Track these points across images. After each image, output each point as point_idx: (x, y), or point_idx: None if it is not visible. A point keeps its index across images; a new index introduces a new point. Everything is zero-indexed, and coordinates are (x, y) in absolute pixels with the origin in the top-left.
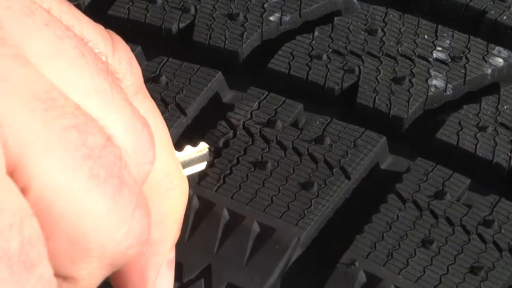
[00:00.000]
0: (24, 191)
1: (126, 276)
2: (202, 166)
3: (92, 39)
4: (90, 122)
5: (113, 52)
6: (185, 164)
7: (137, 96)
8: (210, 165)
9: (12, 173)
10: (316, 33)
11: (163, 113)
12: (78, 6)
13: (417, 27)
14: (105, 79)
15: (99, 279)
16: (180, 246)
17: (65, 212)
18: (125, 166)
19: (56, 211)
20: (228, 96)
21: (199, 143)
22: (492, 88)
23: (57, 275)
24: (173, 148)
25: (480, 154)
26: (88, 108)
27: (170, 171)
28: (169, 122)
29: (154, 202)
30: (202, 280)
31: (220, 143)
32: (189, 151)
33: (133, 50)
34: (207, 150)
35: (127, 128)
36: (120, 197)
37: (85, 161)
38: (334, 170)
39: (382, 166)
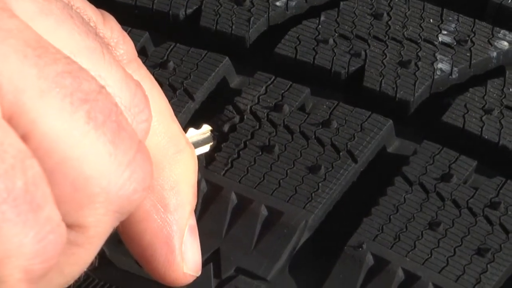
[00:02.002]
0: (23, 137)
1: (152, 246)
2: (205, 148)
3: (81, 7)
4: (82, 69)
5: (103, 22)
6: None
7: (131, 64)
8: (216, 148)
9: (9, 120)
10: (322, 18)
11: (171, 99)
12: None
13: (422, 11)
14: (94, 39)
15: (107, 228)
16: None
17: (66, 157)
18: (122, 113)
19: (57, 156)
20: (235, 81)
21: (202, 126)
22: (498, 71)
23: (65, 224)
24: (173, 115)
25: (486, 137)
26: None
27: (174, 135)
28: (177, 107)
29: (164, 167)
30: (211, 263)
31: (226, 128)
32: (192, 133)
33: (140, 36)
34: (210, 132)
35: (120, 83)
36: (120, 140)
37: (81, 105)
38: (341, 153)
39: (389, 150)
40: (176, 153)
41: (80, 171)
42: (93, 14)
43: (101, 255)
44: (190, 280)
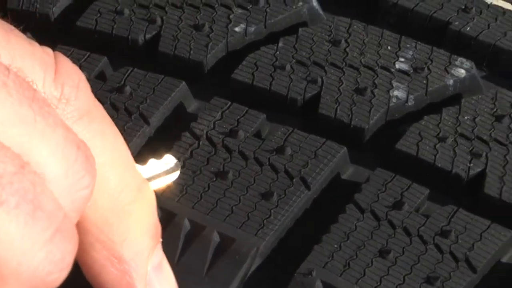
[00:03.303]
0: None
1: None
2: (173, 177)
3: (25, 67)
4: (1, 150)
5: (54, 78)
6: (151, 178)
7: (82, 120)
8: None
9: None
10: (280, 44)
11: (126, 123)
12: (47, 17)
13: (380, 38)
14: (29, 106)
15: None
16: None
17: None
18: (43, 191)
19: None
20: (193, 106)
21: (163, 156)
22: (455, 99)
23: None
24: (131, 163)
25: (439, 165)
26: (10, 137)
27: (126, 187)
28: (132, 131)
29: (113, 222)
30: None
31: (187, 154)
32: (154, 164)
33: (99, 61)
34: (176, 161)
35: (53, 153)
36: (36, 222)
37: None
38: (294, 180)
39: (343, 177)
40: (128, 205)
41: None
42: (42, 71)
43: None
44: None
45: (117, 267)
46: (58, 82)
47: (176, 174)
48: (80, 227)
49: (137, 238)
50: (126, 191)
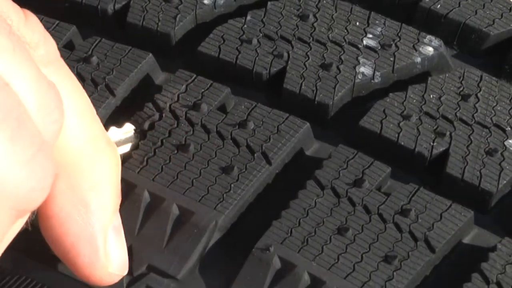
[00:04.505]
0: None
1: (76, 248)
2: (127, 147)
3: (1, 7)
4: None
5: (25, 22)
6: None
7: (51, 65)
8: (135, 147)
9: None
10: (248, 17)
11: (92, 94)
12: None
13: (349, 13)
14: (7, 37)
15: (4, 225)
16: None
17: None
18: (25, 113)
19: None
20: (160, 78)
21: (124, 124)
22: (423, 77)
23: None
24: (96, 116)
25: (403, 143)
26: None
27: (95, 136)
28: (98, 102)
29: (83, 168)
30: None
31: (146, 125)
32: (114, 132)
33: (67, 30)
34: (133, 131)
35: (29, 82)
36: (20, 138)
37: None
38: (255, 155)
39: (308, 152)
40: (96, 153)
41: None
42: (14, 14)
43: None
44: (115, 279)
45: (82, 217)
46: (28, 27)
47: (133, 143)
48: None
49: (104, 189)
50: (94, 141)
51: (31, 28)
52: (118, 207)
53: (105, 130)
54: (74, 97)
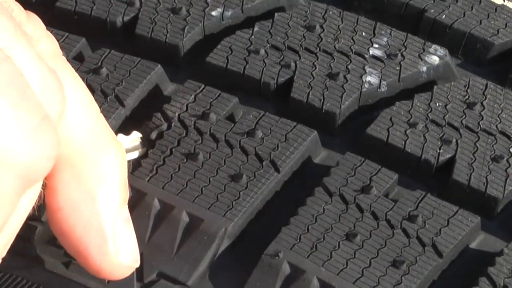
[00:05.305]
0: None
1: (85, 239)
2: (134, 154)
3: (7, 1)
4: None
5: (27, 18)
6: None
7: (54, 60)
8: (144, 155)
9: None
10: (256, 28)
11: (102, 104)
12: None
13: (356, 24)
14: (9, 19)
15: (11, 194)
16: None
17: None
18: (28, 85)
19: None
20: (169, 88)
21: (131, 132)
22: (429, 86)
23: None
24: (100, 112)
25: (409, 150)
26: None
27: (98, 129)
28: (108, 113)
29: (90, 160)
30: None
31: (153, 135)
32: (122, 139)
33: (77, 41)
34: (139, 139)
35: (31, 62)
36: (24, 106)
37: None
38: (264, 163)
39: (315, 160)
40: (101, 145)
41: None
42: (17, 9)
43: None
44: (127, 272)
45: (90, 207)
46: (30, 23)
47: (141, 151)
48: (57, 164)
49: (110, 180)
50: (100, 133)
51: (33, 23)
52: (126, 200)
53: (109, 126)
54: (77, 90)
